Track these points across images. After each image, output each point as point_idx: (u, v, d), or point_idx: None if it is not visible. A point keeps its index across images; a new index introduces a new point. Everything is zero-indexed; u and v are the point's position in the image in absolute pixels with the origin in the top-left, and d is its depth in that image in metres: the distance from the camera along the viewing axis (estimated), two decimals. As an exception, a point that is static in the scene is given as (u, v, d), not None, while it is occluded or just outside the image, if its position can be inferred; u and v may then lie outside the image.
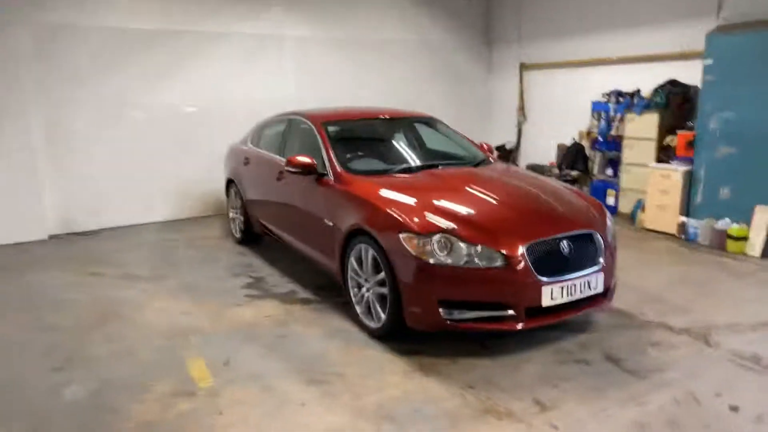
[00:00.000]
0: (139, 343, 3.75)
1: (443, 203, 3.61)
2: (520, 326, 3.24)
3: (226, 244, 6.17)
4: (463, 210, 3.54)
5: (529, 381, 3.14)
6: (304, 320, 4.05)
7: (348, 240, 3.87)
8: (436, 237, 3.28)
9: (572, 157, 7.99)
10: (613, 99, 7.44)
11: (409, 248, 3.31)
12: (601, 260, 3.52)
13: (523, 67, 9.06)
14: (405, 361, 3.38)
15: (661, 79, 6.88)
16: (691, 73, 6.68)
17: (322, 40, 8.08)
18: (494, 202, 3.71)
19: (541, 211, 3.66)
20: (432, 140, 5.12)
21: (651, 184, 6.36)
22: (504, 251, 3.22)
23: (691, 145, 6.12)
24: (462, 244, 3.25)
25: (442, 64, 9.21)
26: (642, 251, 5.66)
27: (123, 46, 6.71)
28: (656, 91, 6.71)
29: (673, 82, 6.76)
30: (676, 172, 6.09)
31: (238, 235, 6.15)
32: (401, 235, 3.36)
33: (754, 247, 5.39)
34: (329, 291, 4.60)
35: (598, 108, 7.62)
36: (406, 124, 5.21)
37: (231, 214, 6.32)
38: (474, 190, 3.86)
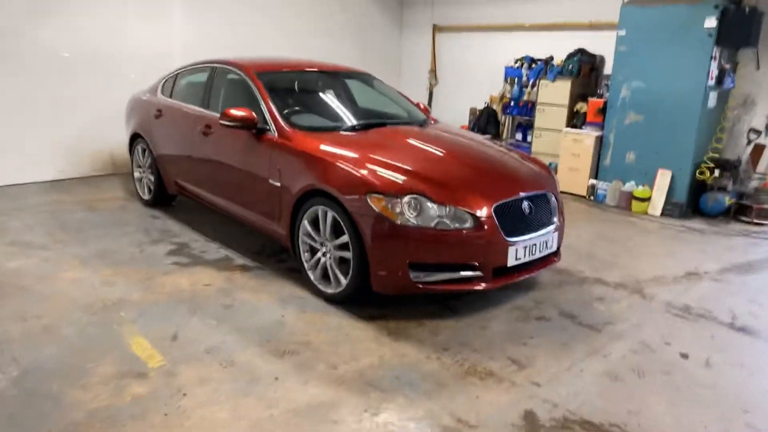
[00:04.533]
0: (59, 319, 3.24)
1: (405, 163, 3.47)
2: (488, 286, 3.25)
3: (132, 206, 5.54)
4: (426, 170, 3.43)
5: (498, 340, 3.17)
6: (248, 288, 3.75)
7: (300, 202, 3.60)
8: (406, 198, 3.15)
9: (485, 121, 8.17)
10: (525, 65, 7.68)
11: (377, 210, 3.15)
12: (556, 220, 3.62)
13: (436, 29, 9.03)
14: (372, 327, 3.26)
15: (570, 48, 7.20)
16: (597, 44, 7.08)
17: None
18: (454, 163, 3.64)
19: (501, 172, 3.66)
20: (371, 98, 4.91)
21: (563, 148, 6.70)
22: (473, 212, 3.18)
23: (600, 111, 6.50)
24: (432, 205, 3.15)
25: (353, 19, 8.88)
26: (559, 212, 5.97)
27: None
28: (568, 59, 7.01)
29: (582, 51, 7.10)
30: (588, 136, 6.45)
31: (146, 196, 5.54)
32: (369, 197, 3.18)
33: (656, 207, 5.91)
34: (268, 256, 4.31)
35: (510, 73, 7.83)
36: (344, 79, 4.94)
37: (137, 174, 5.67)
38: (431, 151, 3.76)
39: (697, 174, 5.81)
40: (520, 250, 3.31)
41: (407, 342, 3.10)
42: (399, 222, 3.11)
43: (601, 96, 6.73)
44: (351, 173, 3.32)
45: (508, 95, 7.88)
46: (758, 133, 6.08)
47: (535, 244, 3.41)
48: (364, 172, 3.31)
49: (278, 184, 3.76)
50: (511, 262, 3.28)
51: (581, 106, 6.92)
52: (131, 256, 4.26)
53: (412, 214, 3.13)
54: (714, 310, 3.66)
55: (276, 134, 3.86)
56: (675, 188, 5.85)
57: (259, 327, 3.22)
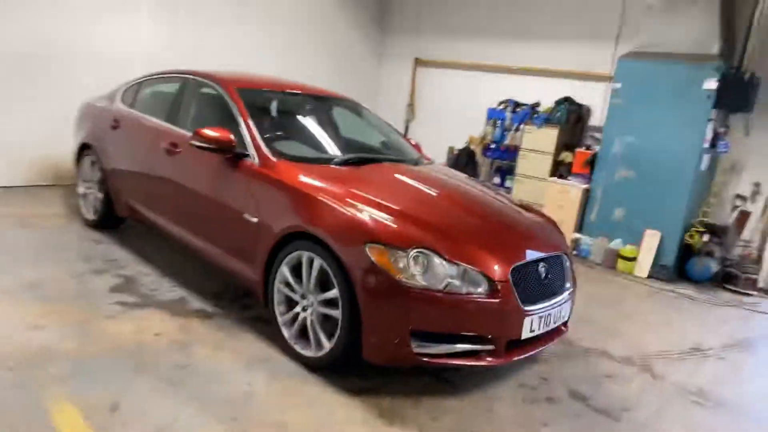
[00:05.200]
0: (-36, 375, 2.55)
1: (408, 210, 3.00)
2: (500, 362, 2.78)
3: (73, 227, 4.82)
4: (432, 220, 2.97)
5: (509, 427, 2.69)
6: (208, 342, 3.14)
7: (280, 244, 3.06)
8: (413, 252, 2.67)
9: (463, 161, 7.86)
10: (510, 108, 7.44)
11: (377, 263, 2.65)
12: (569, 286, 3.22)
13: (418, 62, 8.73)
14: (360, 404, 2.71)
15: (555, 96, 7.03)
16: (584, 93, 6.93)
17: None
18: (460, 213, 3.20)
19: (514, 228, 3.24)
20: (359, 128, 4.44)
21: (548, 198, 6.42)
22: (488, 274, 2.72)
23: (588, 163, 6.27)
24: (442, 262, 2.67)
25: (333, 42, 8.46)
26: (544, 266, 5.63)
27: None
28: (556, 106, 6.81)
29: (568, 100, 6.92)
30: (574, 188, 6.19)
31: (91, 216, 4.83)
32: (368, 247, 2.68)
33: (643, 269, 5.65)
34: (231, 301, 3.71)
35: (493, 115, 7.57)
36: (332, 105, 4.46)
37: (82, 189, 4.96)
38: (434, 196, 3.32)
39: (687, 237, 5.60)
40: (535, 320, 2.87)
41: (404, 427, 2.58)
42: (403, 279, 2.62)
43: (587, 147, 6.52)
44: (347, 216, 2.82)
45: (490, 137, 7.61)
46: (744, 199, 5.97)
47: (550, 314, 2.98)
48: (363, 216, 2.81)
49: (255, 220, 3.20)
50: (525, 334, 2.83)
51: (566, 156, 6.69)
52: (68, 290, 3.57)
53: (418, 271, 2.65)
54: (731, 397, 3.32)
55: (257, 162, 3.32)
56: (662, 250, 5.62)
57: (221, 398, 2.63)
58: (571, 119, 6.78)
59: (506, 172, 7.58)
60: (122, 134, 4.42)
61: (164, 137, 3.96)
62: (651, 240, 5.64)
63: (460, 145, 8.04)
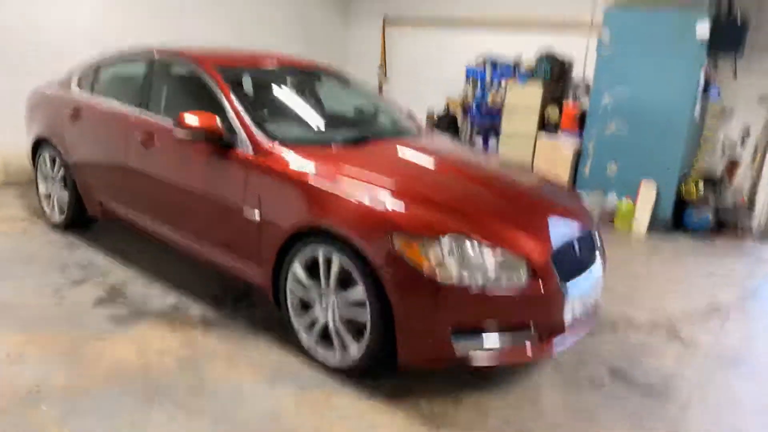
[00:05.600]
0: (-56, 429, 2.19)
1: (428, 190, 2.73)
2: (547, 353, 2.58)
3: (38, 230, 4.35)
4: (458, 202, 2.70)
5: (561, 419, 2.52)
6: (219, 355, 2.84)
7: (290, 241, 2.75)
8: (446, 240, 2.40)
9: (444, 125, 7.55)
10: (489, 65, 7.13)
11: (407, 256, 2.37)
12: (600, 258, 3.03)
13: (387, 22, 8.27)
14: (400, 410, 2.48)
15: (535, 50, 6.75)
16: (565, 46, 6.66)
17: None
18: (485, 191, 2.94)
19: (543, 204, 3.00)
20: (349, 101, 4.08)
21: (539, 157, 6.23)
22: (529, 258, 2.49)
23: (577, 118, 6.07)
24: (478, 250, 2.42)
25: (296, 8, 7.90)
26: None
27: None
28: (540, 61, 6.53)
29: (550, 54, 6.65)
30: (566, 145, 6.00)
31: (57, 217, 4.37)
32: (394, 238, 2.40)
33: (641, 222, 5.56)
34: (234, 301, 3.40)
35: (472, 74, 7.25)
36: (318, 77, 4.07)
37: (43, 189, 4.47)
38: (448, 173, 3.04)
39: (683, 188, 5.51)
40: (576, 303, 2.67)
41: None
42: (437, 273, 2.36)
43: (574, 101, 6.31)
44: (365, 206, 2.52)
45: (470, 97, 7.31)
46: (734, 145, 5.90)
47: (588, 293, 2.78)
48: (385, 204, 2.52)
49: (257, 217, 2.87)
50: (568, 320, 2.63)
51: (552, 112, 6.48)
52: (46, 309, 3.18)
53: (453, 261, 2.39)
54: (766, 359, 3.25)
55: (250, 150, 2.96)
56: (659, 203, 5.53)
57: (249, 422, 2.35)
58: (554, 74, 6.53)
59: (489, 132, 7.33)
60: (85, 125, 3.94)
61: (137, 127, 3.52)
62: (647, 192, 5.53)
63: (438, 107, 7.72)
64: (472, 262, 2.40)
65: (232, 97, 3.17)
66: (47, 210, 4.46)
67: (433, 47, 7.88)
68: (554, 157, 6.06)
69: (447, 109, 7.60)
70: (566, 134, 6.11)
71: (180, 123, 2.96)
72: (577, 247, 2.79)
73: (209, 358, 2.80)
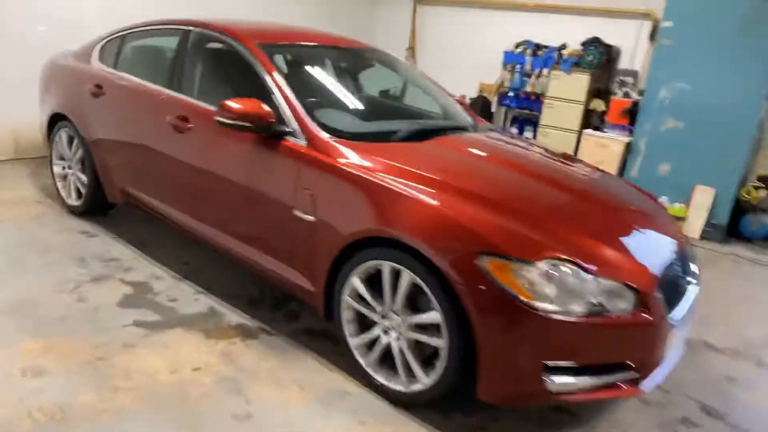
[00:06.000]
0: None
1: (512, 200, 2.37)
2: (647, 389, 2.24)
3: (52, 215, 4.00)
4: (547, 213, 2.34)
5: (661, 471, 2.19)
6: (263, 374, 2.50)
7: (350, 248, 2.39)
8: (543, 265, 2.05)
9: (476, 111, 7.13)
10: (529, 51, 6.70)
11: (499, 281, 2.02)
12: (694, 277, 2.67)
13: (418, 2, 7.81)
14: (478, 454, 2.16)
15: (578, 36, 6.32)
16: (611, 33, 6.23)
17: None
18: (570, 198, 2.58)
19: (644, 219, 2.63)
20: (402, 88, 3.70)
21: (583, 152, 5.83)
22: (634, 285, 2.13)
23: (626, 113, 5.68)
24: (581, 276, 2.07)
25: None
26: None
27: None
28: (588, 48, 6.11)
29: (598, 41, 6.23)
30: (615, 142, 5.61)
31: (74, 201, 4.01)
32: (483, 260, 2.04)
33: (694, 229, 5.20)
34: (273, 309, 3.06)
35: (511, 59, 6.81)
36: (369, 60, 3.68)
37: (58, 169, 4.10)
38: (528, 178, 2.66)
39: (743, 194, 5.14)
40: (680, 332, 2.32)
41: (541, 485, 2.05)
42: (535, 303, 2.01)
43: (625, 95, 5.89)
44: (447, 217, 2.16)
45: (507, 84, 6.89)
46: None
47: (688, 319, 2.44)
48: (471, 214, 2.16)
49: (310, 218, 2.51)
50: (672, 352, 2.29)
51: (597, 104, 6.08)
52: (66, 309, 2.84)
53: (553, 290, 2.04)
54: None
55: (303, 142, 2.59)
56: (715, 208, 5.15)
57: (305, 463, 2.03)
58: (602, 63, 6.11)
59: (525, 122, 6.94)
60: (108, 103, 3.56)
61: (169, 108, 3.14)
62: (703, 197, 5.16)
63: (471, 93, 7.31)
64: (572, 288, 2.04)
65: (281, 81, 2.79)
66: (63, 193, 4.10)
67: (468, 29, 7.43)
68: (600, 153, 5.67)
69: (480, 94, 7.19)
70: (615, 130, 5.72)
71: (224, 108, 2.59)
72: (677, 267, 2.44)
73: (251, 376, 2.46)
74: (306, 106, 2.71)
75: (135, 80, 3.43)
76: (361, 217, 2.34)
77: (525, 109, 6.83)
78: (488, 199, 2.28)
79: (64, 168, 4.06)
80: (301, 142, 2.60)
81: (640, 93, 5.67)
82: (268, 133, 2.65)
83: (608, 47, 6.22)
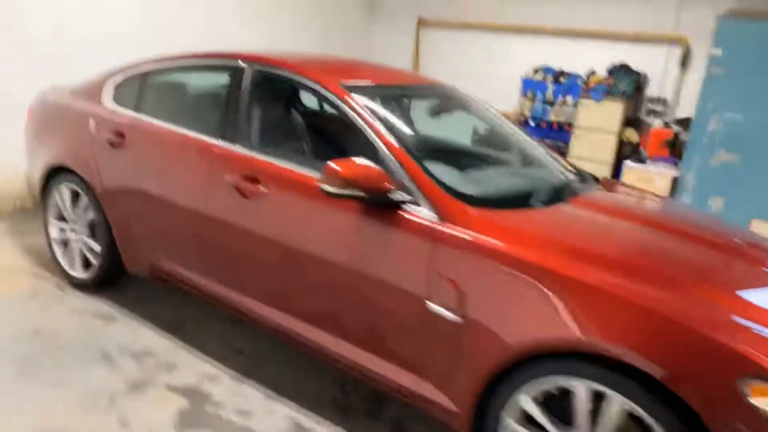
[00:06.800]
0: None
1: (721, 286, 1.87)
2: None
3: (50, 291, 3.23)
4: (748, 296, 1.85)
5: None
6: None
7: (521, 363, 1.82)
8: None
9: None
10: (550, 77, 6.34)
11: (765, 410, 1.51)
12: None
13: (422, 23, 7.36)
14: None
15: (601, 62, 6.03)
16: (637, 59, 5.95)
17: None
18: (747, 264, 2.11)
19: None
20: (485, 133, 3.18)
21: (624, 187, 5.46)
22: None
23: (668, 144, 5.36)
24: None
25: (313, 5, 6.87)
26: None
27: None
28: (620, 76, 5.79)
29: (626, 67, 5.93)
30: (660, 176, 5.27)
31: (80, 273, 3.26)
32: (747, 384, 1.52)
33: (752, 268, 4.88)
34: (372, 415, 2.43)
35: (530, 86, 6.44)
36: (453, 101, 3.12)
37: (56, 232, 3.35)
38: (713, 255, 2.16)
39: (801, 229, 4.87)
40: None
41: None
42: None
43: (666, 125, 5.58)
44: (683, 323, 1.62)
45: (527, 112, 6.50)
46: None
47: None
48: (713, 320, 1.63)
49: (455, 316, 1.93)
50: None
51: (630, 135, 5.76)
52: (109, 441, 2.13)
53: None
54: None
55: (430, 212, 2.02)
56: (772, 244, 4.86)
57: None
58: (634, 91, 5.81)
59: (545, 152, 6.55)
60: (134, 156, 2.87)
61: (228, 166, 2.50)
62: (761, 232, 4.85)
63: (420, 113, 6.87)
64: None
65: (386, 133, 2.21)
66: (63, 261, 3.34)
67: (478, 54, 7.02)
68: (644, 188, 5.29)
69: (432, 113, 6.74)
70: (657, 163, 5.38)
71: (330, 173, 1.99)
72: None
73: None
74: (426, 167, 2.14)
75: (173, 129, 2.75)
76: (545, 321, 1.77)
77: (549, 139, 6.44)
78: (719, 293, 1.77)
79: (64, 231, 3.31)
80: (425, 212, 2.02)
81: (671, 123, 5.39)
82: (381, 202, 2.07)
83: (636, 74, 5.93)
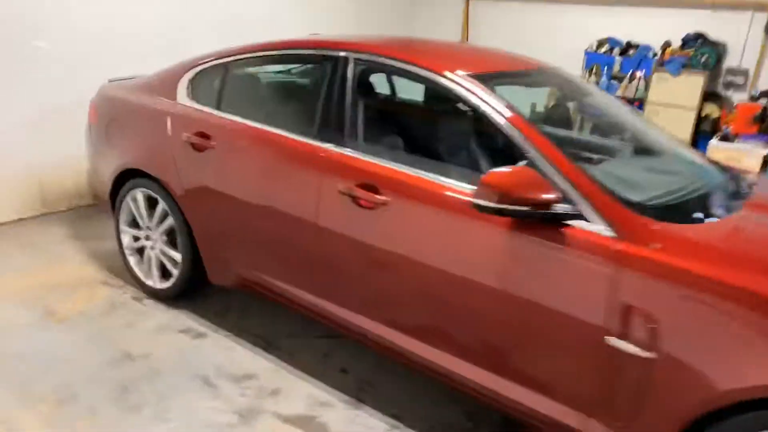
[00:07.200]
0: None
1: None
2: None
3: (127, 303, 3.01)
4: None
5: None
6: None
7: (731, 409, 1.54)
8: None
9: (553, 122, 6.32)
10: (616, 50, 5.92)
11: None
12: None
13: (473, -6, 6.94)
14: None
15: (670, 31, 5.62)
16: (713, 27, 5.51)
17: None
18: None
19: None
20: (626, 131, 2.79)
21: (707, 168, 5.10)
22: None
23: (757, 120, 4.97)
24: None
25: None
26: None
27: None
28: (700, 47, 5.37)
29: (702, 38, 5.50)
30: (750, 154, 4.89)
31: (157, 283, 3.02)
32: None
33: None
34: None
35: (595, 60, 6.03)
36: (580, 88, 2.79)
37: (129, 239, 3.11)
38: None
39: None
40: None
41: None
42: None
43: (753, 98, 5.18)
44: None
45: (592, 89, 6.09)
46: None
47: None
48: None
49: (645, 352, 1.64)
50: None
51: (711, 110, 5.36)
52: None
53: None
54: None
55: (606, 228, 1.72)
56: None
57: None
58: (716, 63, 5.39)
59: (611, 130, 6.17)
60: (222, 159, 2.59)
61: (340, 173, 2.21)
62: None
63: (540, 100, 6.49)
64: None
65: (538, 134, 1.90)
66: (138, 270, 3.11)
67: (535, 27, 6.59)
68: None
69: (558, 101, 6.37)
70: (746, 141, 5.00)
71: (487, 185, 1.70)
72: None
73: None
74: (587, 171, 1.84)
75: (268, 129, 2.46)
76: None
77: (613, 116, 6.05)
78: None
79: (138, 239, 3.07)
80: (598, 228, 1.73)
81: (757, 96, 4.99)
82: (543, 217, 1.77)
83: (715, 44, 5.50)
